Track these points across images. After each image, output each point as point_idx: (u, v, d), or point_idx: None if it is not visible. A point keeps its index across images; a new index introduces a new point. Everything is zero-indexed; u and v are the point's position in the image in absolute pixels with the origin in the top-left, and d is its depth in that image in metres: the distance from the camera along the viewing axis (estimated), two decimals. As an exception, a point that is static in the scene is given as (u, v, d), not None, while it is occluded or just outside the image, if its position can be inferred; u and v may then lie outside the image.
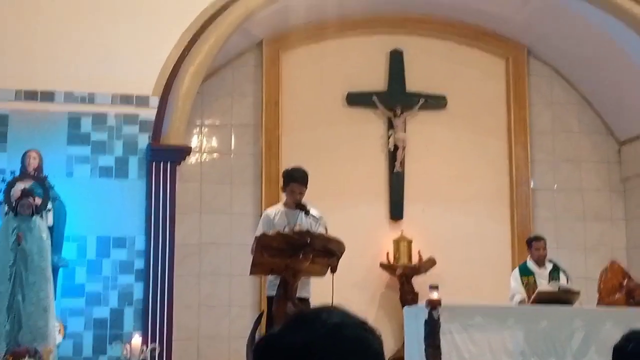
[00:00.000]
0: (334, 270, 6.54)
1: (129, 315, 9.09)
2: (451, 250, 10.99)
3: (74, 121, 9.22)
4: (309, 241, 6.31)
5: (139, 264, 9.17)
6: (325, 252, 6.48)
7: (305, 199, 6.98)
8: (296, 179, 6.89)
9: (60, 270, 8.58)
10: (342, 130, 11.17)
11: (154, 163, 9.29)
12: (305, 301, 6.80)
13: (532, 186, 11.42)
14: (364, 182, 11.12)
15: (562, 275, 8.69)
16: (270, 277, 6.88)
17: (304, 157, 10.21)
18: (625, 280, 8.87)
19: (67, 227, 8.65)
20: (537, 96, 11.67)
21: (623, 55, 10.68)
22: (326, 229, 6.65)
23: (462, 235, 11.14)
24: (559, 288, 7.97)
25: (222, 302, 10.65)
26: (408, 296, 10.57)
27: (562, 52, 11.46)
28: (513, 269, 10.30)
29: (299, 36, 11.11)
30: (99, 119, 9.28)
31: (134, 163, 9.31)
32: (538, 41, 11.49)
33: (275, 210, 7.01)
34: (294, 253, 6.33)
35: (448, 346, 7.07)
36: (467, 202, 11.26)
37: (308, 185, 7.01)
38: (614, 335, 3.58)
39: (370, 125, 11.29)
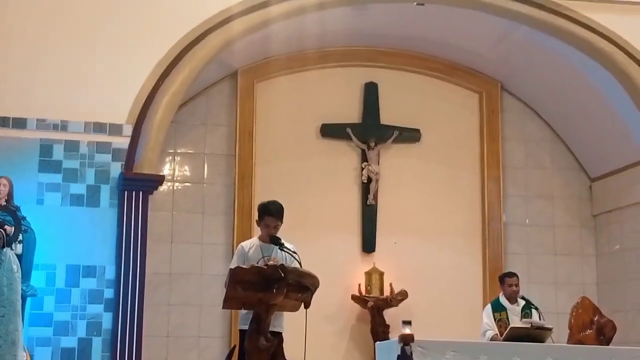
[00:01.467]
0: (307, 306, 6.47)
1: (97, 346, 8.96)
2: (423, 283, 11.01)
3: (45, 148, 9.12)
4: (282, 275, 6.24)
5: (109, 293, 9.05)
6: (299, 287, 6.42)
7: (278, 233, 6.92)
8: (271, 213, 6.82)
9: (28, 299, 8.45)
10: (315, 161, 11.17)
11: (125, 192, 9.20)
12: (278, 335, 6.73)
13: (504, 220, 11.46)
14: (336, 214, 11.11)
15: (534, 312, 8.69)
16: (242, 311, 6.81)
17: (277, 188, 10.23)
18: (596, 317, 8.90)
19: (36, 255, 8.51)
20: (510, 131, 11.74)
21: (596, 93, 10.78)
22: (300, 264, 6.59)
23: (433, 268, 11.17)
24: (531, 325, 7.97)
25: (191, 333, 10.57)
26: (379, 329, 10.55)
27: (536, 88, 11.56)
28: (484, 302, 10.35)
29: (274, 67, 11.12)
30: (71, 147, 9.18)
31: (105, 192, 9.21)
32: (512, 77, 11.59)
33: (250, 244, 6.95)
34: (267, 287, 6.26)
35: (421, 382, 7.01)
36: (439, 236, 11.28)
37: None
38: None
39: (344, 157, 11.30)
